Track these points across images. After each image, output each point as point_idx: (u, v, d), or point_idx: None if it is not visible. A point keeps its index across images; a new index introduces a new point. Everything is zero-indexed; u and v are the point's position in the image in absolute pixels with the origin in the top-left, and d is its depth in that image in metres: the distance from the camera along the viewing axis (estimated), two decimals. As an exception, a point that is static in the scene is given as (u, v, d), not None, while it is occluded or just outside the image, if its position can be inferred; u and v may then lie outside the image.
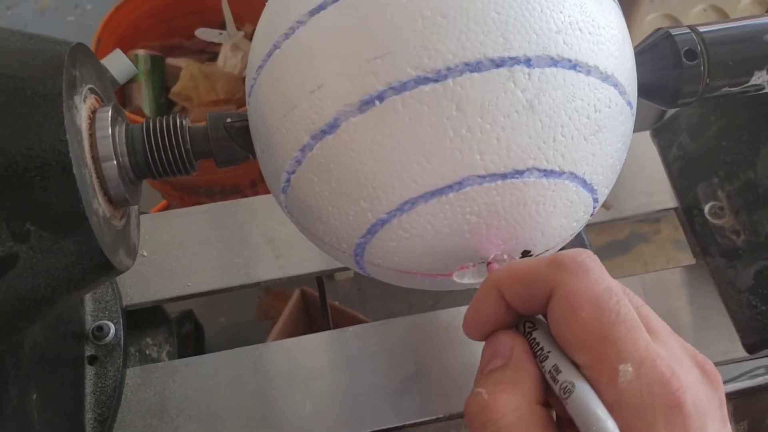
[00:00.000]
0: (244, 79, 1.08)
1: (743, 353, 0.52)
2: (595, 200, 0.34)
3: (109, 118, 0.32)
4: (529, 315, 0.29)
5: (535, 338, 0.28)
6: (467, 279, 0.34)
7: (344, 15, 0.30)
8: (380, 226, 0.31)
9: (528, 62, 0.28)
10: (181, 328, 0.97)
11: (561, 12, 0.29)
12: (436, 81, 0.28)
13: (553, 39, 0.29)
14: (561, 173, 0.30)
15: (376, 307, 1.24)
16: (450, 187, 0.29)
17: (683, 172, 0.58)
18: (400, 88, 0.28)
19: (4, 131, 0.28)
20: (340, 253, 0.34)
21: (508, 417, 0.25)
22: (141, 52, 1.17)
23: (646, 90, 0.36)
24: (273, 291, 1.25)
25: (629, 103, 0.33)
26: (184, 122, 0.34)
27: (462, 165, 0.29)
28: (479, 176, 0.29)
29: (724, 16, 0.91)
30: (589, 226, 0.58)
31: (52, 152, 0.28)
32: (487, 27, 0.28)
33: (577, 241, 0.52)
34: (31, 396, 0.40)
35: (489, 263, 0.33)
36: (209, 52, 1.23)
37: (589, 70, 0.30)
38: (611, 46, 0.31)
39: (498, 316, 0.29)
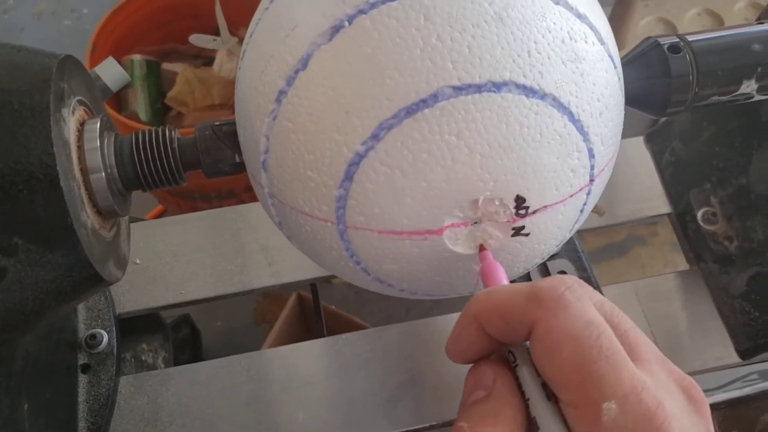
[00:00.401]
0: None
1: (736, 359, 0.52)
2: (590, 152, 0.32)
3: (98, 130, 0.32)
4: (512, 345, 0.28)
5: (517, 372, 0.27)
6: (460, 246, 0.32)
7: None
8: (357, 164, 0.30)
9: None
10: (178, 332, 0.98)
11: None
12: None
13: None
14: (542, 94, 0.29)
15: (373, 311, 1.24)
16: (424, 102, 0.29)
17: (676, 178, 0.58)
18: (368, 8, 0.29)
19: (-9, 145, 0.28)
20: (324, 229, 0.33)
21: None
22: (137, 57, 1.17)
23: (635, 99, 0.36)
24: (270, 295, 1.25)
25: (611, 57, 0.32)
26: (173, 134, 0.34)
27: (435, 75, 0.28)
28: (454, 87, 0.28)
29: (718, 20, 0.91)
30: (584, 230, 0.58)
31: (40, 165, 0.28)
32: None
33: (570, 247, 0.52)
34: (22, 406, 0.40)
35: (482, 250, 0.32)
36: (205, 57, 1.23)
37: (557, 0, 0.30)
38: None
39: (479, 345, 0.29)
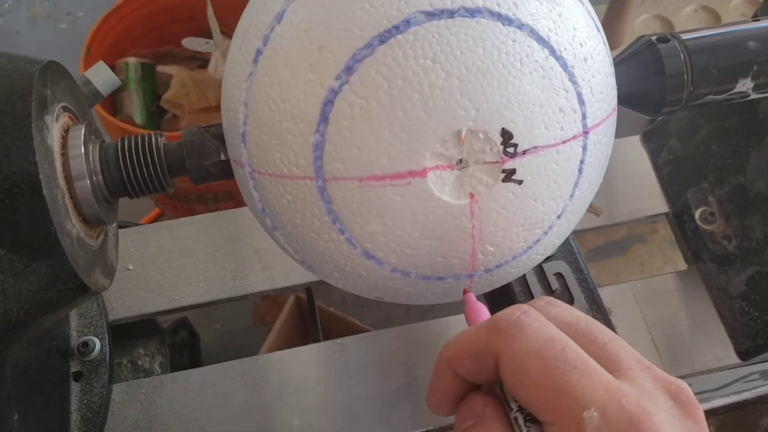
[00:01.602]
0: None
1: (736, 359, 0.51)
2: (579, 96, 0.31)
3: (82, 137, 0.32)
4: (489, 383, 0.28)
5: (506, 399, 0.27)
6: (448, 193, 0.30)
7: None
8: (332, 102, 0.29)
9: None
10: (176, 336, 0.97)
11: None
12: None
13: None
14: (519, 24, 0.29)
15: (372, 312, 1.24)
16: (396, 28, 0.28)
17: (673, 177, 0.57)
18: None
19: (-29, 154, 0.28)
20: (303, 191, 0.31)
21: None
22: (131, 60, 1.16)
23: (629, 99, 0.36)
24: (269, 297, 1.25)
25: (591, 18, 0.32)
26: (158, 139, 0.34)
27: (406, 2, 0.29)
28: (426, 13, 0.28)
29: (715, 17, 0.90)
30: (581, 230, 0.57)
31: (21, 174, 0.28)
32: None
33: (566, 249, 0.51)
34: (12, 416, 0.39)
35: (466, 292, 0.32)
36: (200, 60, 1.22)
37: None
38: None
39: (456, 390, 0.29)
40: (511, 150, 0.30)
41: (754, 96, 0.36)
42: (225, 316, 1.22)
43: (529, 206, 0.31)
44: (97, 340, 0.50)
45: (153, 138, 0.34)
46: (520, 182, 0.30)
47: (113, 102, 1.17)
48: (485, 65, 0.29)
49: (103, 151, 0.33)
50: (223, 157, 0.34)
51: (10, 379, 0.40)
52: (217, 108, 1.16)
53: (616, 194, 0.58)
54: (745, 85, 0.35)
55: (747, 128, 0.52)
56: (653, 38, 0.35)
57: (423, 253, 0.32)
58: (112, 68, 0.75)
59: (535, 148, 0.30)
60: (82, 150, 0.32)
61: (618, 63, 0.35)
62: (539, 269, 0.50)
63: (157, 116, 1.20)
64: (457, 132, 0.29)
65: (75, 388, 0.48)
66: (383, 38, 0.29)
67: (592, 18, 0.33)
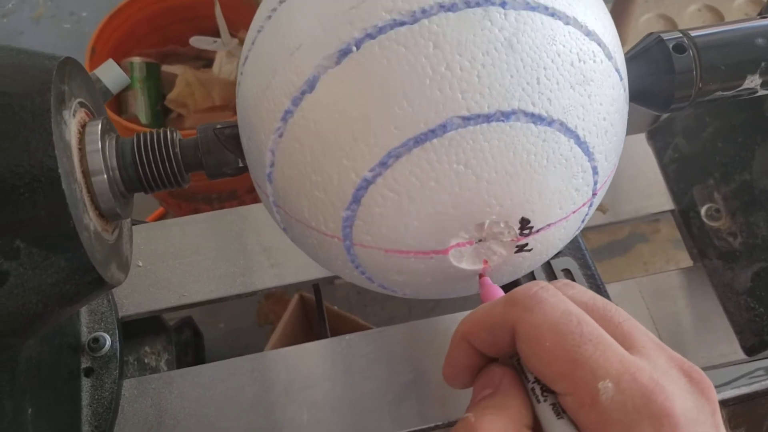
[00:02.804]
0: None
1: (742, 355, 0.52)
2: (594, 169, 0.32)
3: (99, 132, 0.32)
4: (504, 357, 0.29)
5: (522, 371, 0.28)
6: (465, 263, 0.33)
7: None
8: (365, 188, 0.30)
9: (503, 4, 0.28)
10: (181, 335, 0.97)
11: None
12: (412, 23, 0.28)
13: None
14: (550, 120, 0.29)
15: (375, 311, 1.24)
16: (433, 132, 0.28)
17: (679, 174, 0.58)
18: (376, 33, 0.28)
19: (-8, 148, 0.28)
20: (330, 243, 0.33)
21: None
22: (136, 60, 1.16)
23: (638, 95, 0.36)
24: (273, 296, 1.25)
25: (617, 71, 0.32)
26: (174, 135, 0.34)
27: (444, 105, 0.28)
28: (463, 117, 0.28)
29: (718, 16, 0.90)
30: (586, 228, 0.58)
31: (41, 168, 0.28)
32: None
33: (573, 245, 0.52)
34: (26, 410, 0.40)
35: (482, 276, 0.32)
36: (204, 59, 1.23)
37: (567, 20, 0.29)
38: (590, 4, 0.31)
39: (472, 363, 0.29)
40: (527, 231, 0.32)
41: (762, 92, 0.37)
42: (229, 315, 1.22)
43: (535, 260, 0.35)
44: (108, 336, 0.50)
45: (169, 134, 0.34)
46: (530, 250, 0.33)
47: (118, 101, 1.17)
48: (513, 168, 0.29)
49: (119, 146, 0.33)
50: (240, 164, 0.35)
51: (24, 373, 0.40)
52: (222, 108, 1.16)
53: (621, 192, 0.58)
54: (753, 81, 0.36)
55: (753, 126, 0.52)
56: (662, 35, 0.36)
57: (435, 291, 0.36)
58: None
59: (548, 225, 0.32)
60: (99, 145, 0.32)
61: (627, 59, 0.35)
62: (547, 265, 0.50)
63: (161, 115, 1.20)
64: (481, 223, 0.31)
65: (86, 383, 0.49)
66: (419, 140, 0.29)
67: (618, 72, 0.33)
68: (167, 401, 0.49)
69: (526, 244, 0.33)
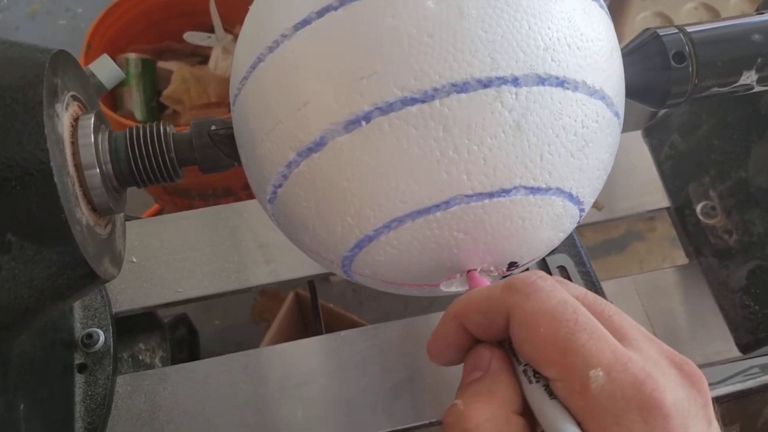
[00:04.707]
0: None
1: (737, 353, 0.52)
2: (582, 210, 0.33)
3: (92, 126, 0.32)
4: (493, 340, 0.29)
5: (514, 354, 0.28)
6: (454, 288, 0.34)
7: (330, 32, 0.29)
8: (367, 242, 0.31)
9: (515, 81, 0.28)
10: (175, 332, 0.97)
11: (549, 28, 0.29)
12: (423, 102, 0.28)
13: (541, 57, 0.28)
14: (547, 189, 0.30)
15: (371, 308, 1.24)
16: (437, 207, 0.29)
17: (675, 172, 0.58)
18: (387, 108, 0.28)
19: (-17, 141, 0.28)
20: (328, 262, 0.34)
21: (483, 426, 0.25)
22: (132, 56, 1.16)
23: (634, 91, 0.36)
24: (268, 293, 1.25)
25: (617, 114, 0.33)
26: (168, 129, 0.34)
27: (449, 185, 0.29)
28: (466, 196, 0.29)
29: (714, 14, 0.90)
30: (582, 226, 0.58)
31: (33, 161, 0.28)
32: (474, 47, 0.28)
33: (569, 243, 0.52)
34: (18, 407, 0.39)
35: (470, 271, 0.33)
36: (200, 55, 1.22)
37: (576, 86, 0.29)
38: (599, 59, 0.30)
39: (459, 342, 0.29)
40: (513, 268, 0.34)
41: (758, 88, 0.37)
42: (224, 312, 1.22)
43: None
44: (101, 332, 0.50)
45: (162, 127, 0.34)
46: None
47: (114, 97, 1.17)
48: (509, 232, 0.31)
49: (112, 140, 0.33)
50: (236, 165, 0.35)
51: (16, 369, 0.40)
52: (218, 104, 1.16)
53: (617, 189, 0.58)
54: (749, 77, 0.36)
55: (748, 123, 0.52)
56: (659, 31, 0.35)
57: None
58: (115, 62, 0.74)
59: (533, 259, 0.34)
60: (92, 139, 0.32)
61: (623, 55, 0.35)
62: (542, 262, 0.50)
63: (157, 112, 1.20)
64: (473, 270, 0.33)
65: (79, 379, 0.48)
66: (422, 212, 0.30)
67: (617, 114, 0.33)
68: (161, 397, 0.49)
69: (512, 273, 0.34)
